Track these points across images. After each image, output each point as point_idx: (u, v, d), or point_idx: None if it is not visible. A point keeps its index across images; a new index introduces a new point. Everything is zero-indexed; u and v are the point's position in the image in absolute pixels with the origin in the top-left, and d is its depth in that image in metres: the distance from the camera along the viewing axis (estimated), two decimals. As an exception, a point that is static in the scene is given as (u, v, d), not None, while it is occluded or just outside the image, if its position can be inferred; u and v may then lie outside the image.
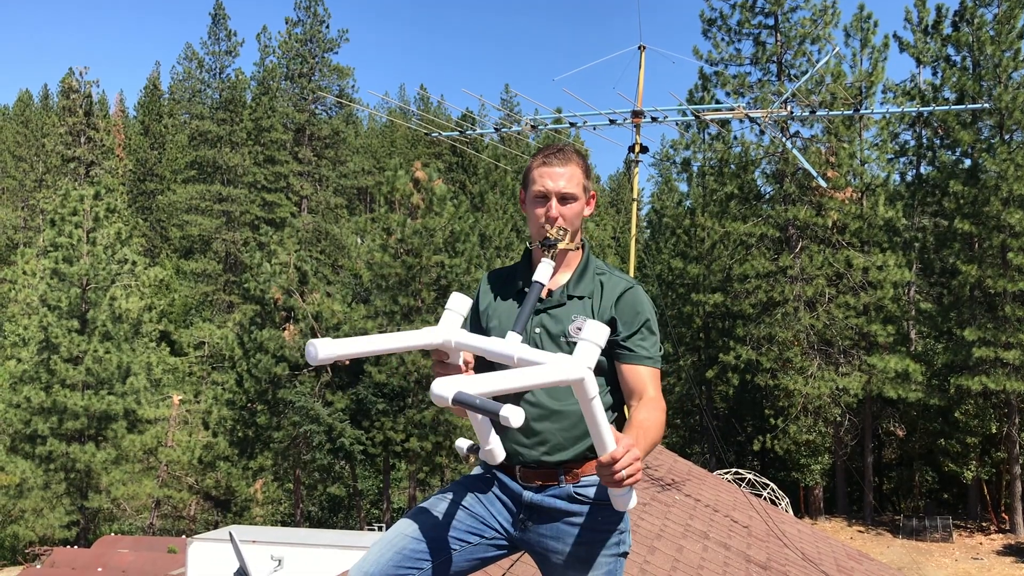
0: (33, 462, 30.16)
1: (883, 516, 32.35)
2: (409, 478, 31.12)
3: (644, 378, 2.27)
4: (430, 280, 27.43)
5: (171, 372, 38.90)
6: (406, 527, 2.38)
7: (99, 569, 23.16)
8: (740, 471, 21.73)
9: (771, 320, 30.41)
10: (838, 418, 30.52)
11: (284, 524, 32.07)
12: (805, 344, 30.18)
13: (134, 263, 33.84)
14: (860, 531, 30.32)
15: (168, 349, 40.52)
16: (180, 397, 36.16)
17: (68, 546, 28.07)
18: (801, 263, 30.19)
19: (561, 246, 2.31)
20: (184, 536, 25.11)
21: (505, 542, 2.42)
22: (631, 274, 7.31)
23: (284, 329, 29.14)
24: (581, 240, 2.42)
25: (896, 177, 33.82)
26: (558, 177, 2.34)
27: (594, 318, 2.28)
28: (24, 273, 41.20)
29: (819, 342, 30.34)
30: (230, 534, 4.87)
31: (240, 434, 29.88)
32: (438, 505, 2.43)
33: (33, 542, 29.32)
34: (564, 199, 2.34)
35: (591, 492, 2.33)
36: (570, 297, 2.34)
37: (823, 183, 28.32)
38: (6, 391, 31.66)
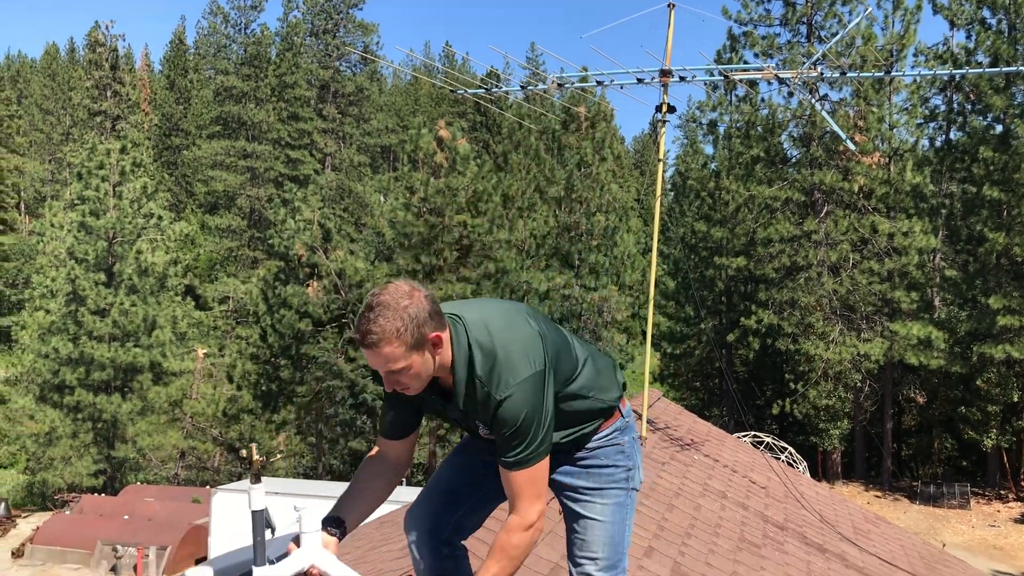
0: (61, 411, 30.73)
1: (901, 482, 32.39)
2: (429, 434, 31.43)
3: (509, 482, 2.25)
4: (452, 240, 27.44)
5: (196, 326, 39.36)
6: (446, 469, 2.61)
7: (125, 516, 23.67)
8: (758, 434, 21.79)
9: (794, 285, 30.30)
10: (858, 384, 30.48)
11: (306, 477, 32.51)
12: (827, 309, 30.07)
13: (160, 217, 34.09)
14: (877, 496, 30.40)
15: (193, 303, 40.99)
16: (205, 351, 36.62)
17: (95, 494, 28.67)
18: (826, 228, 29.97)
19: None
20: (208, 487, 25.57)
21: None
22: (655, 237, 7.29)
23: (308, 285, 29.32)
24: (448, 360, 2.25)
25: (925, 142, 33.41)
26: (375, 363, 2.16)
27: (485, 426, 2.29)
28: (52, 226, 41.62)
29: (842, 308, 30.21)
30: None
31: (264, 388, 30.23)
32: (472, 443, 2.60)
33: (62, 489, 29.94)
34: (395, 373, 2.19)
35: (593, 443, 2.48)
36: (460, 411, 2.32)
37: (851, 146, 28.01)
38: (35, 342, 32.15)
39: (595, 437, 2.45)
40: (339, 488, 20.47)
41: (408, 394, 2.27)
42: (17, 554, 22.90)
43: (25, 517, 28.14)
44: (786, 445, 21.70)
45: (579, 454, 2.47)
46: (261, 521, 2.20)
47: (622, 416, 2.50)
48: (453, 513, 2.50)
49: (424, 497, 2.56)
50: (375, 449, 2.51)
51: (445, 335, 2.19)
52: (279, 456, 31.33)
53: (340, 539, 2.31)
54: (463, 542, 2.61)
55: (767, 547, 5.87)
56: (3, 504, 27.48)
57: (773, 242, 30.58)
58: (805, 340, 29.78)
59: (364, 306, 2.16)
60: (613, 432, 2.47)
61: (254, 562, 2.18)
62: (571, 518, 2.51)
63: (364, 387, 27.87)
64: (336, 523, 2.33)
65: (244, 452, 2.23)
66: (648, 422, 7.23)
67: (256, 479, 2.18)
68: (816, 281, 29.86)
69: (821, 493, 8.33)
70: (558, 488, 2.52)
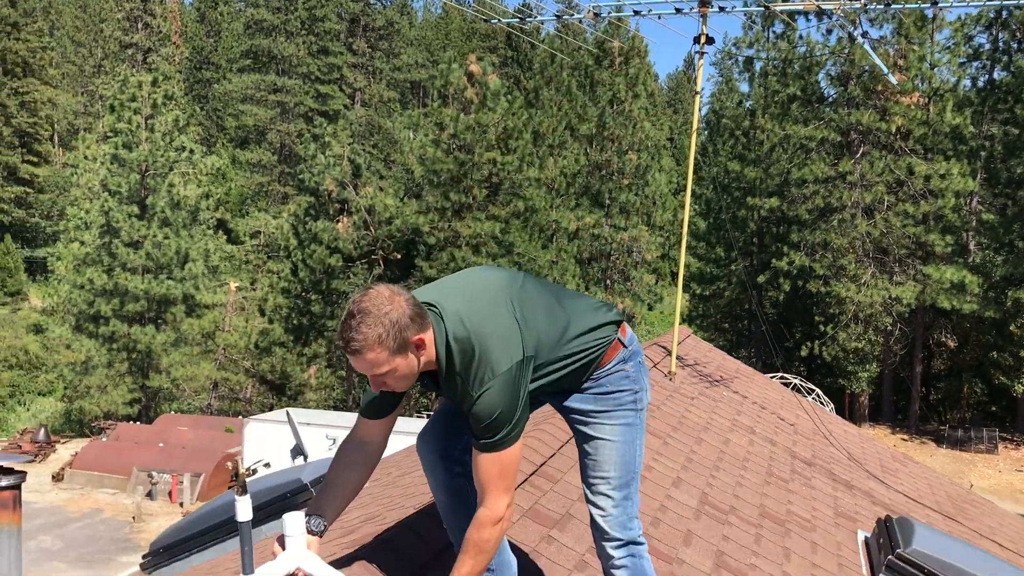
0: (97, 341, 31.30)
1: (928, 426, 32.34)
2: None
3: (478, 468, 2.29)
4: (482, 177, 27.33)
5: (228, 259, 39.73)
6: None
7: (160, 444, 24.23)
8: (786, 376, 21.77)
9: (827, 226, 29.95)
10: (889, 327, 30.27)
11: (336, 410, 33.03)
12: (860, 252, 29.76)
13: (191, 151, 34.20)
14: (904, 440, 30.41)
15: (225, 237, 41.31)
16: (236, 284, 36.98)
17: (131, 422, 29.33)
18: (861, 169, 29.49)
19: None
20: (241, 417, 26.05)
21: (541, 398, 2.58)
22: (689, 173, 7.21)
23: (338, 221, 29.42)
24: (433, 357, 2.29)
25: (967, 82, 32.55)
26: (360, 368, 2.22)
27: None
28: (85, 158, 41.94)
29: (875, 250, 29.87)
30: (287, 413, 5.09)
31: (295, 322, 30.57)
32: (445, 415, 2.68)
33: (98, 417, 30.64)
34: (381, 375, 2.24)
35: (597, 373, 2.53)
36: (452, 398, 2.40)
37: (892, 80, 27.34)
38: (70, 273, 32.64)
39: (599, 370, 2.49)
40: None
41: (397, 391, 2.35)
42: (57, 478, 23.56)
43: (64, 443, 28.87)
44: (814, 387, 21.69)
45: (585, 384, 2.51)
46: (248, 531, 2.26)
47: (624, 347, 2.54)
48: (463, 435, 2.54)
49: (435, 421, 2.62)
50: (352, 432, 2.54)
51: (428, 336, 2.24)
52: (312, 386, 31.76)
53: (321, 536, 2.39)
54: None
55: (795, 482, 5.91)
56: (43, 430, 28.19)
57: (807, 183, 30.17)
58: (836, 282, 29.55)
59: (346, 313, 2.20)
60: (617, 363, 2.52)
61: (243, 569, 2.25)
62: (582, 440, 2.57)
63: (393, 322, 28.06)
64: (316, 521, 2.39)
65: (230, 465, 2.28)
66: (678, 358, 7.25)
67: (243, 491, 2.23)
68: (849, 223, 29.50)
69: (849, 431, 8.35)
70: (567, 413, 2.57)
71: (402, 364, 2.20)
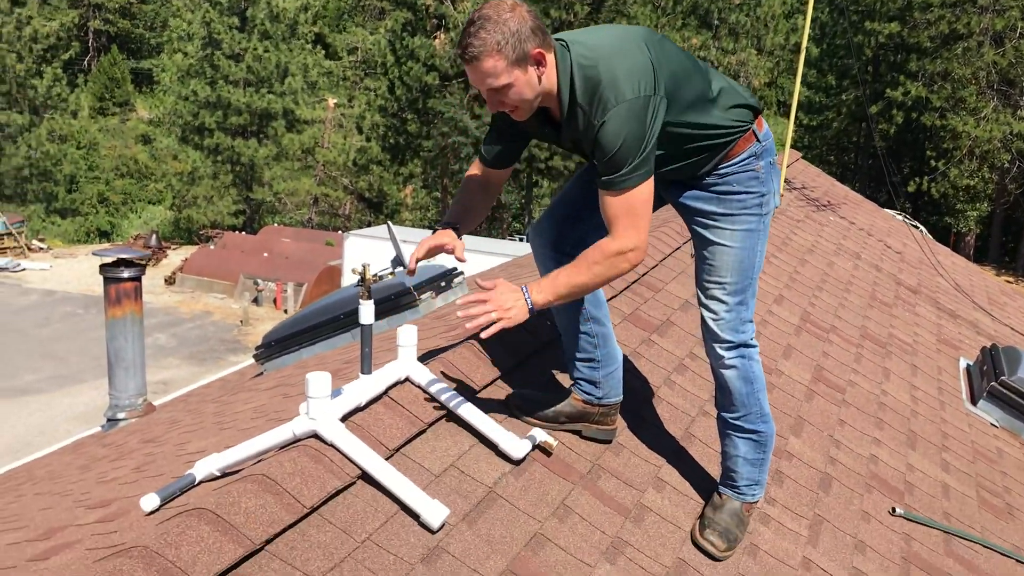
0: (202, 153, 32.17)
1: (1036, 269, 31.23)
2: (551, 195, 31.69)
3: (604, 207, 2.20)
4: (585, -7, 26.27)
5: (326, 75, 39.75)
6: (572, 185, 2.59)
7: (265, 254, 25.17)
8: (890, 211, 21.12)
9: (949, 55, 28.06)
10: (1006, 164, 28.75)
11: (431, 229, 33.64)
12: (983, 83, 27.94)
13: (290, -39, 33.65)
14: (1009, 281, 29.49)
15: (323, 52, 41.14)
16: (335, 101, 37.13)
17: (236, 232, 30.46)
18: (995, -9, 27.27)
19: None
20: (340, 232, 26.76)
21: (657, 193, 2.53)
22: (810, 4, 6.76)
23: (435, 38, 28.89)
24: (553, 84, 2.18)
25: None
26: (477, 80, 2.11)
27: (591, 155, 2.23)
28: (185, -32, 41.69)
29: (999, 81, 27.99)
30: (387, 225, 5.16)
31: (392, 140, 30.72)
32: (582, 180, 2.58)
33: (205, 226, 31.90)
34: (497, 92, 2.12)
35: (726, 169, 2.40)
36: (571, 140, 2.27)
37: None
38: (175, 84, 33.20)
39: (728, 163, 2.37)
40: (464, 240, 21.19)
41: (516, 119, 2.25)
42: (169, 281, 24.84)
43: (174, 249, 30.27)
44: (918, 224, 21.05)
45: (710, 179, 2.39)
46: (369, 333, 2.31)
47: (757, 140, 2.40)
48: (575, 227, 2.52)
49: (550, 211, 2.59)
50: (472, 171, 2.54)
51: (549, 55, 2.14)
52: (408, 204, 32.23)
53: (459, 236, 2.45)
54: None
55: (898, 307, 5.81)
56: (154, 236, 29.52)
57: (932, 7, 28.09)
58: (953, 115, 27.96)
59: (467, 21, 2.11)
60: (748, 157, 2.37)
61: (362, 369, 2.33)
62: (701, 244, 2.48)
63: (489, 144, 27.96)
64: (453, 227, 2.45)
65: (358, 269, 2.27)
66: (786, 181, 7.06)
67: (368, 295, 2.25)
68: (975, 51, 27.56)
69: (957, 263, 8.11)
70: (688, 213, 2.48)
71: (520, 79, 2.11)
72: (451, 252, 2.40)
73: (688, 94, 2.25)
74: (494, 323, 2.12)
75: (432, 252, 2.40)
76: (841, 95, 34.62)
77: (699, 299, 2.52)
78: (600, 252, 2.19)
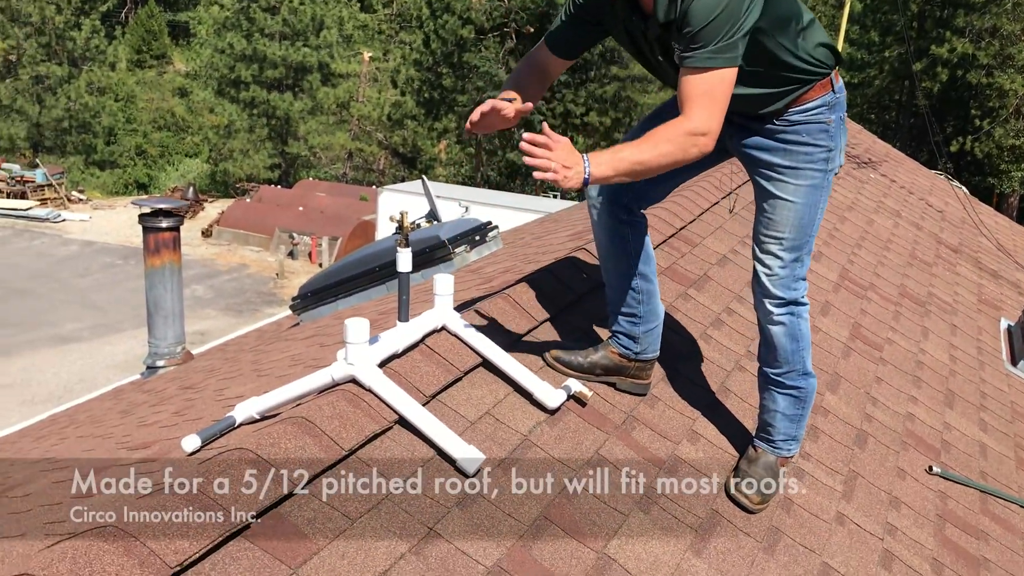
0: (238, 106, 32.23)
1: (1081, 233, 30.57)
2: (586, 151, 31.43)
3: (681, 88, 2.09)
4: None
5: (361, 28, 39.52)
6: (634, 136, 2.48)
7: (300, 208, 25.31)
8: (932, 170, 20.73)
9: (999, 9, 27.28)
10: (1054, 124, 28.07)
11: (464, 185, 33.56)
12: (1034, 39, 27.18)
13: (325, -88, 33.37)
14: (1052, 245, 28.93)
15: (358, 5, 40.90)
16: (370, 54, 36.97)
17: (272, 185, 30.63)
18: (1048, -57, 26.41)
19: None
20: (374, 187, 26.80)
21: (719, 146, 2.45)
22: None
23: (471, -10, 28.59)
24: None
25: None
26: None
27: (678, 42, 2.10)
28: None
29: (1050, 38, 27.23)
30: (422, 179, 5.15)
31: (426, 95, 30.59)
32: (664, 113, 2.47)
33: (241, 179, 32.08)
34: None
35: (798, 116, 2.32)
36: (662, 26, 2.12)
37: None
38: (212, 37, 33.22)
39: (799, 107, 2.31)
40: (498, 196, 21.10)
41: None
42: (206, 234, 25.10)
43: (211, 202, 30.51)
44: (961, 185, 20.67)
45: (778, 124, 2.33)
46: (406, 281, 2.29)
47: (833, 91, 2.33)
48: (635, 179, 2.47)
49: None
50: (533, 54, 2.45)
51: None
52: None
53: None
54: (643, 211, 2.60)
55: (938, 266, 5.73)
56: (191, 188, 29.77)
57: (982, -41, 27.32)
58: (1001, 73, 27.26)
59: None
60: (820, 107, 2.30)
61: (399, 316, 2.32)
62: (762, 196, 2.43)
63: (524, 99, 27.72)
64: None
65: (396, 217, 2.25)
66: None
67: (405, 243, 2.23)
68: (1026, 7, 26.80)
69: (1000, 223, 7.97)
70: (752, 164, 2.42)
71: None
72: (508, 113, 2.27)
73: (782, 8, 2.15)
74: (549, 172, 2.02)
75: (491, 113, 2.27)
76: (884, 52, 33.83)
77: (754, 252, 2.47)
78: (672, 130, 2.09)
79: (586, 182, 2.06)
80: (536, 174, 2.01)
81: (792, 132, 2.32)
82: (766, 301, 2.44)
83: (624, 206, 2.50)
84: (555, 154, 2.01)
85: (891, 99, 35.95)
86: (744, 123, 2.37)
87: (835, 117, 2.33)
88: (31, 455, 4.00)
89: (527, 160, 2.01)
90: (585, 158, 2.06)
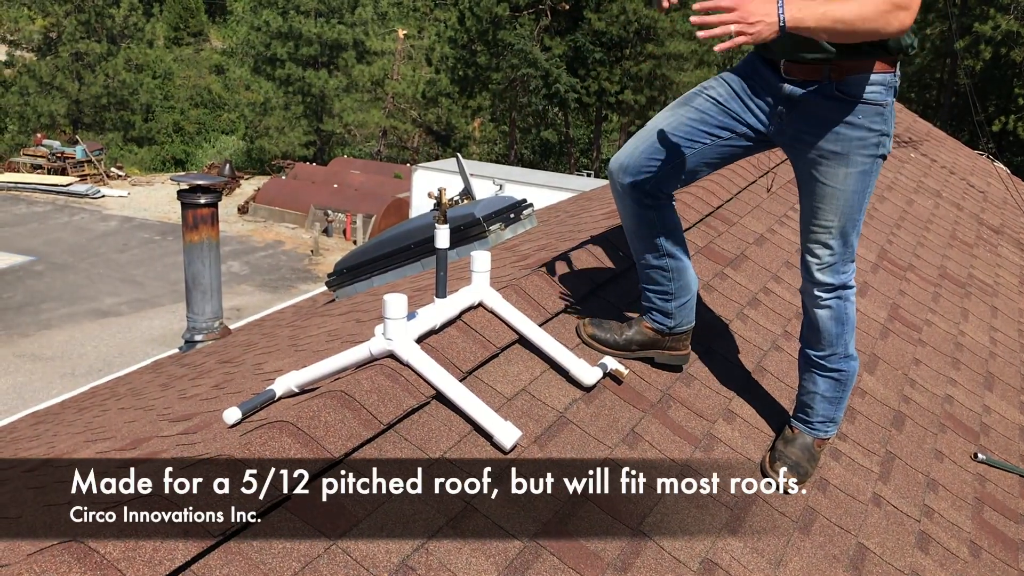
0: (274, 83, 32.39)
1: None
2: (620, 130, 31.27)
3: None
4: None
5: (396, 5, 39.48)
6: (662, 121, 2.44)
7: (335, 185, 25.43)
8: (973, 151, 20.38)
9: (1046, -14, 26.69)
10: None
11: (498, 163, 33.51)
12: (1082, 16, 26.55)
13: None
14: (1096, 227, 28.38)
15: (393, -18, 40.84)
16: (405, 32, 36.93)
17: (307, 163, 30.78)
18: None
19: None
20: (408, 164, 26.85)
21: (754, 137, 2.41)
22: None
23: (506, -33, 28.40)
24: None
25: None
26: None
27: None
28: None
29: (1099, 16, 26.58)
30: (456, 157, 5.15)
31: (461, 73, 30.51)
32: (694, 100, 2.45)
33: (277, 156, 32.28)
34: None
35: (855, 90, 2.25)
36: None
37: None
38: (248, 14, 33.35)
39: (857, 77, 2.20)
40: (532, 175, 21.04)
41: None
42: (242, 210, 25.31)
43: (247, 179, 30.74)
44: (1003, 165, 20.30)
45: (837, 96, 2.22)
46: (444, 258, 2.28)
47: (894, 72, 2.28)
48: (659, 166, 2.42)
49: (632, 146, 2.46)
50: None
51: None
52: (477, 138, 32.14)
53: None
54: (670, 193, 2.56)
55: (979, 247, 5.64)
56: (228, 165, 30.01)
57: (1030, -66, 26.67)
58: (1047, 51, 26.69)
59: None
60: (880, 85, 2.25)
61: (436, 292, 2.33)
62: (809, 185, 2.36)
63: (557, 77, 27.63)
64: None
65: (434, 193, 2.24)
66: (865, 115, 6.85)
67: (443, 220, 2.22)
68: (1074, -17, 26.16)
69: (1045, 205, 7.82)
70: (800, 153, 2.36)
71: None
72: None
73: None
74: (732, 36, 1.90)
75: None
76: (926, 29, 33.16)
77: (802, 239, 2.44)
78: None
79: (782, 28, 1.95)
80: (718, 47, 1.90)
81: (851, 112, 2.25)
82: (814, 287, 2.41)
83: (648, 192, 2.47)
84: (738, 11, 1.90)
85: (932, 77, 35.31)
86: (797, 100, 2.29)
87: (890, 100, 2.28)
88: (74, 426, 4.07)
89: (700, 34, 1.91)
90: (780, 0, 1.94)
